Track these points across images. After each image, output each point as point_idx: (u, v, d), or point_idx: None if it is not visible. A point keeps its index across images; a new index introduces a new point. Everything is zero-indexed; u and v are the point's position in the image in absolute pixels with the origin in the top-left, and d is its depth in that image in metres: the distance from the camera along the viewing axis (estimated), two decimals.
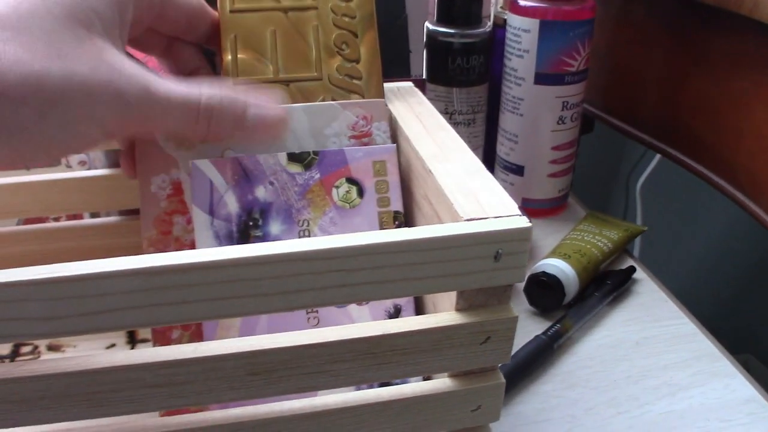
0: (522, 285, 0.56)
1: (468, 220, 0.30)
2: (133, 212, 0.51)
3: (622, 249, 0.62)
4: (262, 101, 0.37)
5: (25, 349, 0.49)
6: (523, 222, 0.29)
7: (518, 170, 0.67)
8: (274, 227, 0.38)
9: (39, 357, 0.48)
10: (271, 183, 0.39)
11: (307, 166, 0.40)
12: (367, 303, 0.39)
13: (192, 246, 0.39)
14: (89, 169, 0.53)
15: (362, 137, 0.41)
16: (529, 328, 0.53)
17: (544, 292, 0.54)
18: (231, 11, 0.42)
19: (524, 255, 0.30)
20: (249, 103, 0.36)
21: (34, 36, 0.30)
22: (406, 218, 0.40)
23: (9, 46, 0.30)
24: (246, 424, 0.31)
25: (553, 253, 0.57)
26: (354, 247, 0.27)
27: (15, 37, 0.30)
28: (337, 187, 0.40)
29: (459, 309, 0.32)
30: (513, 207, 0.30)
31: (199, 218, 0.38)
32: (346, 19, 0.43)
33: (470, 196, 0.31)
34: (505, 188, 0.33)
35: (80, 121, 0.32)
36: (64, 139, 0.32)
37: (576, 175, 0.71)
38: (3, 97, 0.29)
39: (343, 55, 0.43)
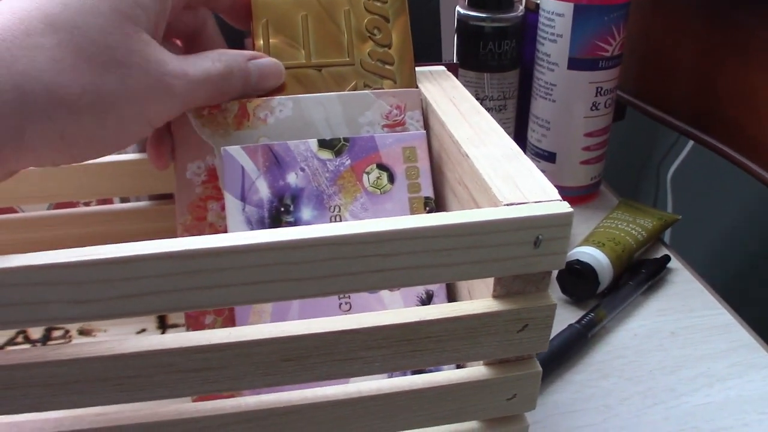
0: (555, 273, 0.55)
1: (507, 204, 0.29)
2: (163, 197, 0.50)
3: (656, 238, 0.61)
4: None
5: (56, 334, 0.49)
6: (565, 207, 0.28)
7: (550, 157, 0.66)
8: (306, 213, 0.38)
9: (70, 341, 0.48)
10: (302, 169, 0.39)
11: (338, 153, 0.39)
12: (399, 289, 0.38)
13: (226, 232, 0.39)
14: (119, 153, 0.53)
15: (395, 126, 0.41)
16: (562, 317, 0.52)
17: (577, 280, 0.53)
18: None
19: (565, 241, 0.29)
20: (247, 57, 0.38)
21: (87, 38, 0.30)
22: (439, 203, 0.40)
23: (65, 51, 0.29)
24: (279, 410, 0.31)
25: (587, 241, 0.56)
26: (390, 232, 0.27)
27: (69, 39, 0.30)
28: (368, 173, 0.39)
29: (496, 296, 0.31)
30: (553, 192, 0.30)
31: (231, 204, 0.38)
32: (378, 3, 0.43)
33: (509, 181, 0.31)
34: None
35: (133, 122, 0.33)
36: (116, 139, 0.33)
37: (606, 163, 0.70)
38: (65, 108, 0.29)
39: (375, 40, 0.42)
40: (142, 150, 0.50)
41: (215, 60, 0.36)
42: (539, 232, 0.28)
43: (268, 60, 0.39)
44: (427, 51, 0.57)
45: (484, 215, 0.28)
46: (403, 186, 0.39)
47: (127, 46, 0.31)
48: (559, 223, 0.28)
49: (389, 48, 0.42)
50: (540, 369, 0.33)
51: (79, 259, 0.25)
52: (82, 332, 0.49)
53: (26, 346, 0.47)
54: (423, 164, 0.39)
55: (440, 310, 0.30)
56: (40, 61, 0.29)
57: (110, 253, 0.26)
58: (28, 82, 0.28)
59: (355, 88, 0.42)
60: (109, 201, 0.53)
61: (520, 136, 0.71)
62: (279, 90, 0.41)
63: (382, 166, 0.39)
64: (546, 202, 0.29)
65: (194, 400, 0.36)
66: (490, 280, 0.31)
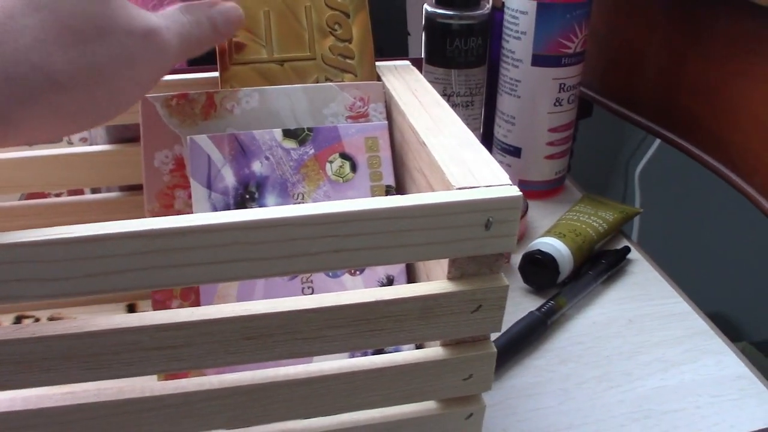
0: (517, 263, 0.56)
1: (460, 188, 0.30)
2: (134, 188, 0.51)
3: (618, 230, 0.63)
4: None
5: (26, 322, 0.49)
6: (514, 191, 0.30)
7: (515, 152, 0.68)
8: (270, 200, 0.39)
9: None
10: (267, 158, 0.40)
11: (302, 142, 0.40)
12: (361, 273, 0.39)
13: None
14: (90, 145, 0.53)
15: (359, 118, 0.42)
16: (523, 306, 0.53)
17: (538, 269, 0.55)
18: None
19: (515, 224, 0.30)
20: (209, 4, 0.38)
21: (68, 12, 0.30)
22: (399, 191, 0.41)
23: (49, 29, 0.29)
24: (242, 388, 0.32)
25: (549, 233, 0.58)
26: (348, 213, 0.28)
27: (52, 17, 0.30)
28: (331, 162, 0.40)
29: (451, 277, 0.32)
30: (504, 177, 0.31)
31: (198, 191, 0.39)
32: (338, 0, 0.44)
33: (463, 167, 0.32)
34: None
35: (126, 88, 0.32)
36: (110, 108, 0.32)
37: (575, 161, 0.72)
38: (55, 85, 0.29)
39: (336, 35, 0.44)
40: (112, 141, 0.51)
41: (183, 12, 0.36)
42: (490, 214, 0.30)
43: (229, 4, 0.39)
44: (394, 47, 0.58)
45: (437, 198, 0.29)
46: (365, 174, 0.40)
47: (108, 13, 0.31)
48: (509, 206, 0.30)
49: (350, 43, 0.44)
50: (495, 350, 0.34)
51: (48, 237, 0.26)
52: (52, 320, 0.49)
53: None
54: (384, 153, 0.41)
55: (397, 290, 0.31)
56: (26, 42, 0.29)
57: (79, 233, 0.26)
58: (15, 65, 0.28)
59: (316, 82, 0.43)
60: (80, 192, 0.53)
61: (487, 131, 0.72)
62: (244, 82, 0.42)
63: (344, 155, 0.40)
64: (496, 186, 0.30)
65: (160, 379, 0.37)
66: (446, 264, 0.32)
